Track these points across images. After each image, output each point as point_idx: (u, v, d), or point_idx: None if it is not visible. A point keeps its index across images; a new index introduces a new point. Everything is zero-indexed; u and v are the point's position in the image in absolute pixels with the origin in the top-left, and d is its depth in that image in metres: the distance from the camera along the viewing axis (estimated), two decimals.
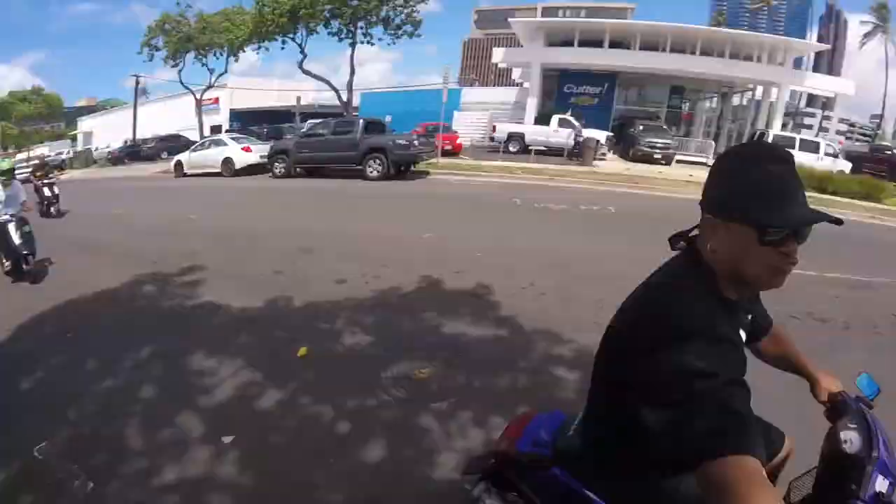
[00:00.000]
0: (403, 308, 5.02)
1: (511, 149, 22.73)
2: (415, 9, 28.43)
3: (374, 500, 2.57)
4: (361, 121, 16.43)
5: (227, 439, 3.09)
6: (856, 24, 61.99)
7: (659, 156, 21.68)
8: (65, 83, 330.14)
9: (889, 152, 29.99)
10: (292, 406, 3.40)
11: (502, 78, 63.34)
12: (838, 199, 17.31)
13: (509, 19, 34.49)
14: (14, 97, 69.86)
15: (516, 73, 37.17)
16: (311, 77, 30.85)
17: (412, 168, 16.05)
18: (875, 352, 4.89)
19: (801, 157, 21.54)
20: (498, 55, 31.28)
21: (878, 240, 10.51)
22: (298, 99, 28.87)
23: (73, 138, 64.10)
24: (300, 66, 29.97)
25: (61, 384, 4.10)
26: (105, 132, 57.71)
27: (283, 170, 17.18)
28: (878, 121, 53.89)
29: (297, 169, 17.15)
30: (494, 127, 24.65)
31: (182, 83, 36.88)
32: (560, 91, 29.46)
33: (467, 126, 28.55)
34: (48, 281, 6.81)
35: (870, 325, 5.46)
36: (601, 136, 21.91)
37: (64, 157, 41.38)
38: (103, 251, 8.07)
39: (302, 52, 29.59)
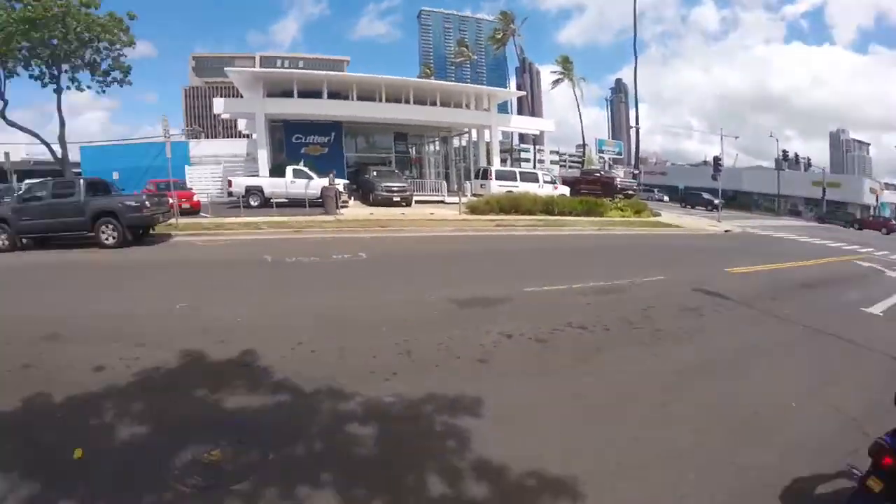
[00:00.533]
0: (172, 388, 4.74)
1: (252, 203, 22.62)
2: (122, 53, 27.19)
3: None
4: (82, 180, 14.94)
5: None
6: (547, 74, 76.44)
7: (398, 198, 23.76)
8: None
9: (598, 174, 37.56)
10: None
11: (229, 129, 62.00)
12: (566, 218, 21.05)
13: (226, 69, 34.07)
14: None
15: (241, 125, 37.37)
16: (17, 128, 27.18)
17: (151, 231, 15.10)
18: (639, 346, 6.29)
19: (524, 187, 25.51)
20: (219, 105, 30.77)
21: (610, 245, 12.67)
22: (7, 155, 24.74)
23: None
24: (1, 114, 26.28)
25: None
26: None
27: (5, 242, 14.67)
28: (582, 149, 66.50)
29: (24, 240, 14.67)
30: (230, 182, 24.16)
31: None
32: (289, 141, 30.33)
33: (202, 181, 27.48)
34: None
35: (626, 323, 7.02)
36: (340, 183, 22.92)
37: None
38: None
39: (2, 97, 25.98)
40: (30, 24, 23.50)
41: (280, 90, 29.37)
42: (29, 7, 23.52)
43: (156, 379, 4.93)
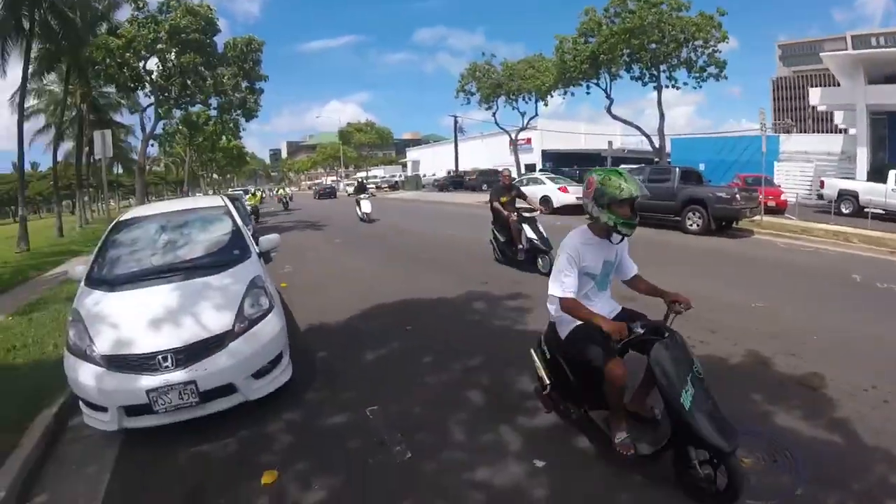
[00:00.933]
0: (729, 382, 4.72)
1: (843, 210, 19.67)
2: (716, 49, 27.52)
3: None
4: (678, 169, 16.27)
5: (539, 463, 3.61)
6: None
7: None
8: (390, 118, 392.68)
9: None
10: None
11: (822, 122, 56.90)
12: None
13: (822, 54, 30.86)
14: (352, 127, 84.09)
15: (838, 117, 32.14)
16: (620, 122, 31.57)
17: (735, 224, 15.36)
18: None
19: None
20: (815, 96, 28.05)
21: None
22: (610, 143, 29.76)
23: (403, 165, 76.72)
24: (608, 110, 31.02)
25: (395, 365, 5.53)
26: (428, 162, 67.77)
27: None
28: None
29: None
30: (822, 182, 21.75)
31: (497, 124, 40.64)
32: (893, 138, 25.21)
33: (789, 179, 25.58)
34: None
35: None
36: None
37: (397, 179, 50.13)
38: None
39: (608, 96, 30.51)
40: (629, 34, 27.01)
41: (882, 76, 24.60)
42: (627, 19, 26.99)
43: (719, 366, 5.13)
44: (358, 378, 5.29)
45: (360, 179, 28.14)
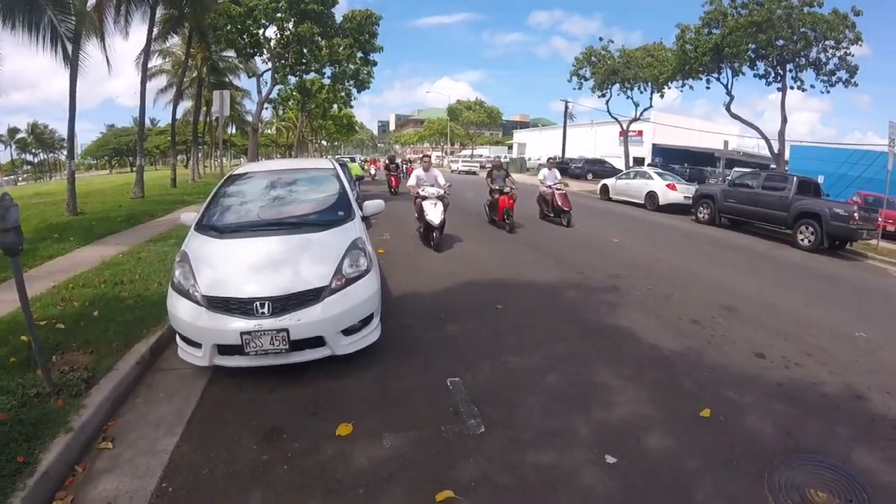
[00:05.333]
0: (817, 411, 4.57)
1: None
2: (848, 51, 25.20)
3: None
4: (795, 178, 15.32)
5: (610, 459, 3.64)
6: None
7: None
8: (499, 99, 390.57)
9: None
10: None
11: None
12: None
13: None
14: (461, 104, 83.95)
15: None
16: (739, 121, 29.84)
17: (848, 245, 14.37)
18: None
19: None
20: None
21: None
22: (726, 143, 28.33)
23: (509, 147, 76.53)
24: (727, 108, 29.28)
25: (481, 342, 5.64)
26: (535, 146, 67.28)
27: (706, 216, 17.40)
28: None
29: (722, 218, 17.07)
30: None
31: (609, 112, 39.47)
32: None
33: None
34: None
35: None
36: None
37: (503, 160, 50.28)
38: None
39: (728, 93, 28.92)
40: (756, 27, 24.94)
41: None
42: (754, 11, 24.94)
43: (807, 393, 4.91)
44: (442, 349, 5.47)
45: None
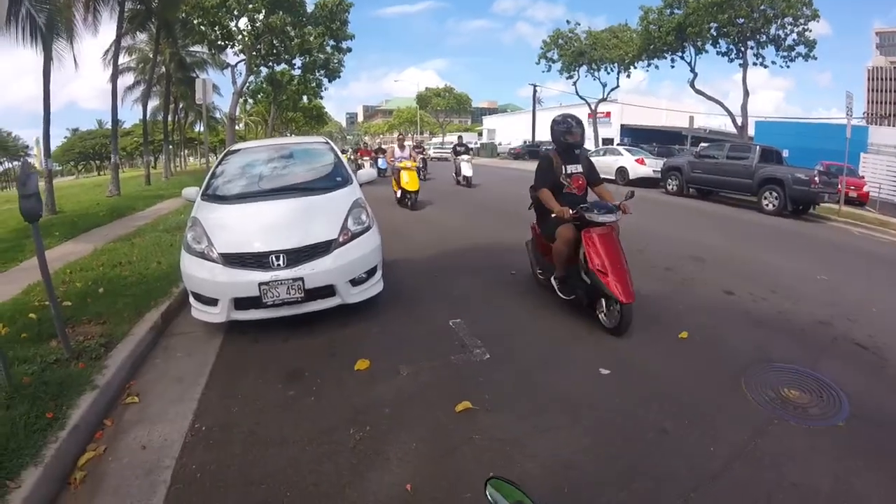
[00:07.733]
0: (787, 333, 5.09)
1: None
2: (806, 27, 26.42)
3: None
4: (758, 147, 16.01)
5: (604, 371, 4.11)
6: None
7: None
8: (467, 87, 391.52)
9: None
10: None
11: None
12: None
13: None
14: (430, 92, 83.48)
15: None
16: (703, 97, 30.62)
17: (812, 209, 15.09)
18: None
19: None
20: None
21: None
22: (692, 120, 29.00)
23: (479, 133, 76.60)
24: (691, 84, 30.11)
25: (477, 293, 6.13)
26: (505, 131, 67.49)
27: (675, 187, 18.02)
28: None
29: (690, 189, 17.71)
30: None
31: (578, 94, 40.03)
32: None
33: (875, 173, 23.64)
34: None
35: None
36: None
37: (473, 146, 50.22)
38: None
39: (692, 70, 29.73)
40: (717, 7, 26.17)
41: None
42: None
43: (775, 320, 5.46)
44: (442, 299, 5.88)
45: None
